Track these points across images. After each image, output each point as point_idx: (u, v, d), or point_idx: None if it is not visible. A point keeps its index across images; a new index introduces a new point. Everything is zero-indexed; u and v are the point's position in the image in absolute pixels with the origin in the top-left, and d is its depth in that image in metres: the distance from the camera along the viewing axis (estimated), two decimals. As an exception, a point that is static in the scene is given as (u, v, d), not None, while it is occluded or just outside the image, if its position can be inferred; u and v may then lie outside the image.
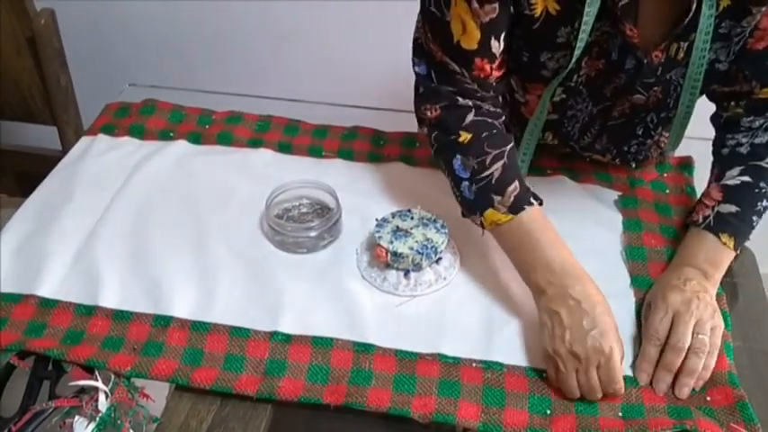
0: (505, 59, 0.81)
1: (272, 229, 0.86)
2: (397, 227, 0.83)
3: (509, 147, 0.81)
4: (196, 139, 1.03)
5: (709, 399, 0.71)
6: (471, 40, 0.76)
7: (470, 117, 0.81)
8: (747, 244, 0.84)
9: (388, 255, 0.81)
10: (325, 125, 1.06)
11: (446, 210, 0.88)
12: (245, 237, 0.88)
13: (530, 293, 0.79)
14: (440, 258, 0.83)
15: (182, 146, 1.01)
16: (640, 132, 0.90)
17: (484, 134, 0.81)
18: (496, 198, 0.78)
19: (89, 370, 0.72)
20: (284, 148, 1.02)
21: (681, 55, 0.77)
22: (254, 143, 1.02)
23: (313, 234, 0.85)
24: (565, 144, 0.94)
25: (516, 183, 0.79)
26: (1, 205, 0.93)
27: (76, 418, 0.68)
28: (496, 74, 0.81)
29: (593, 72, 0.81)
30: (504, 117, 0.85)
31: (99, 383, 0.70)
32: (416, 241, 0.81)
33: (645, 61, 0.78)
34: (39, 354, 0.73)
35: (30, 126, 1.35)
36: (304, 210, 0.91)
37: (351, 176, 0.97)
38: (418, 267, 0.82)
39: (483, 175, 0.79)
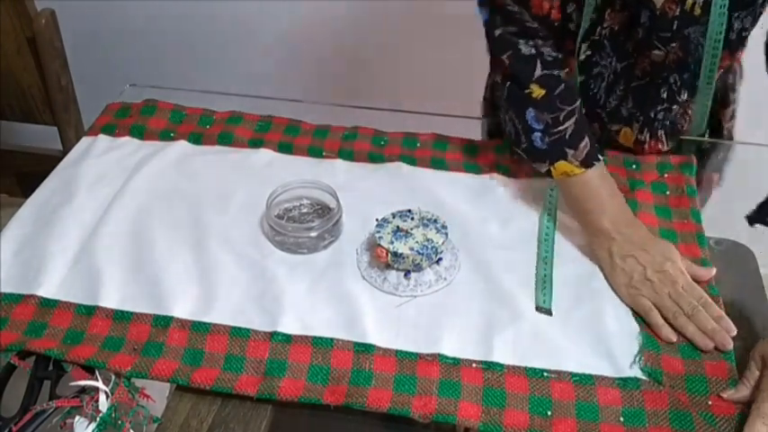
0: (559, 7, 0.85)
1: (273, 230, 0.86)
2: (398, 227, 0.83)
3: (578, 102, 0.87)
4: (197, 139, 1.03)
5: (710, 403, 0.70)
6: None
7: (539, 70, 0.86)
8: (747, 244, 0.84)
9: (389, 255, 0.81)
10: (326, 125, 1.06)
11: (447, 210, 0.88)
12: (246, 237, 0.88)
13: (530, 294, 0.80)
14: (440, 259, 0.83)
15: (182, 146, 1.01)
16: (665, 96, 0.91)
17: (556, 90, 0.86)
18: (570, 152, 0.85)
19: (89, 370, 0.72)
20: (285, 148, 1.02)
21: (698, 11, 0.78)
22: (255, 143, 1.02)
23: (313, 234, 0.85)
24: (593, 113, 0.95)
25: (587, 138, 0.85)
26: (1, 205, 0.93)
27: (77, 418, 0.68)
28: (555, 15, 0.84)
29: (616, 25, 0.83)
30: (566, 70, 0.88)
31: (99, 383, 0.70)
32: (417, 242, 0.81)
33: (657, 13, 0.78)
34: (39, 354, 0.73)
35: (30, 126, 1.35)
36: (304, 210, 0.91)
37: (351, 177, 0.97)
38: (418, 268, 0.82)
39: (557, 129, 0.86)
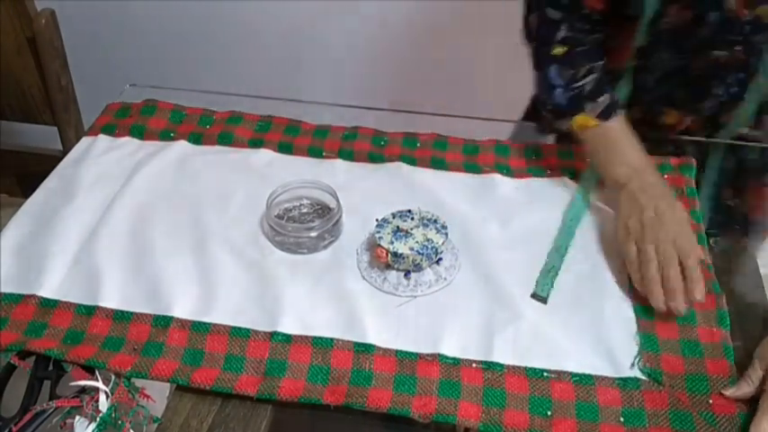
0: None
1: (273, 230, 0.86)
2: (398, 227, 0.83)
3: (600, 62, 0.90)
4: (197, 139, 1.03)
5: (711, 402, 0.70)
6: None
7: (563, 32, 0.90)
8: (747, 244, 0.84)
9: (389, 255, 0.81)
10: (326, 125, 1.06)
11: (447, 210, 0.88)
12: (246, 237, 0.88)
13: (530, 294, 0.80)
14: (440, 259, 0.83)
15: (182, 146, 1.01)
16: (718, 92, 0.91)
17: (578, 48, 0.90)
18: (588, 105, 0.89)
19: (89, 370, 0.72)
20: (285, 148, 1.02)
21: None
22: (255, 143, 1.02)
23: (313, 234, 0.85)
24: (639, 98, 0.96)
25: (607, 95, 0.88)
26: (1, 205, 0.93)
27: (77, 418, 0.68)
28: (603, 7, 0.88)
29: (679, 21, 0.84)
30: (595, 36, 0.91)
31: (99, 384, 0.70)
32: (417, 242, 0.81)
33: (728, 16, 0.79)
34: (39, 354, 0.73)
35: (30, 126, 1.35)
36: (304, 210, 0.91)
37: (351, 177, 0.96)
38: (418, 268, 0.82)
39: (576, 84, 0.90)
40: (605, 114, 0.88)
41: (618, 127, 0.89)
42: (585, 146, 0.92)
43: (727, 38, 0.83)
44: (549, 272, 0.82)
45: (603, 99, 0.89)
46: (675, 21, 0.84)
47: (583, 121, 0.90)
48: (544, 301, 0.79)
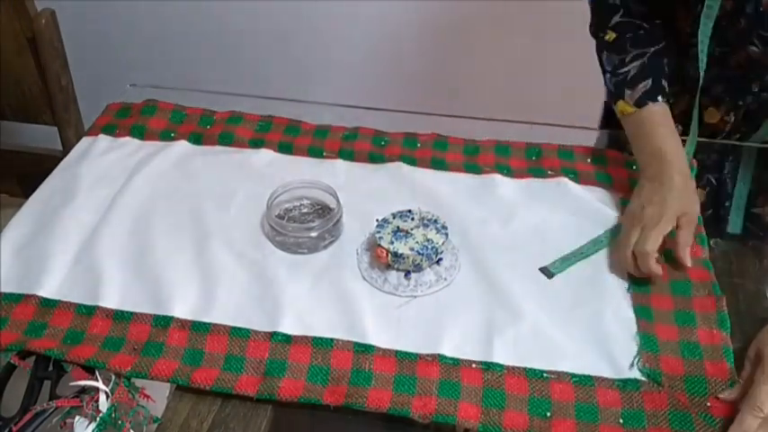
0: None
1: (273, 230, 0.86)
2: (398, 227, 0.83)
3: (654, 48, 0.92)
4: (197, 139, 1.03)
5: (709, 405, 0.70)
6: None
7: (617, 18, 0.93)
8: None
9: (389, 255, 0.81)
10: (326, 125, 1.06)
11: (447, 210, 0.88)
12: (246, 237, 0.88)
13: (530, 294, 0.80)
14: (440, 259, 0.83)
15: (182, 146, 1.01)
16: (756, 90, 0.92)
17: (628, 35, 0.92)
18: (627, 92, 0.91)
19: (89, 370, 0.72)
20: (285, 148, 1.02)
21: None
22: (255, 143, 1.02)
23: (314, 234, 0.85)
24: (687, 87, 0.97)
25: (649, 81, 0.90)
26: (1, 205, 0.93)
27: (77, 418, 0.68)
28: None
29: (719, 10, 0.84)
30: (651, 22, 0.93)
31: (99, 384, 0.70)
32: (417, 242, 0.81)
33: (761, 9, 0.80)
34: (39, 354, 0.74)
35: (30, 126, 1.35)
36: (305, 210, 0.91)
37: (351, 177, 0.96)
38: (419, 268, 0.82)
39: (621, 71, 0.92)
40: (641, 102, 0.90)
41: (651, 116, 0.90)
42: (625, 130, 0.94)
43: (761, 34, 0.84)
44: (573, 257, 0.84)
45: (643, 86, 0.90)
46: (721, 7, 0.85)
47: (623, 107, 0.92)
48: (549, 276, 0.81)
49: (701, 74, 0.88)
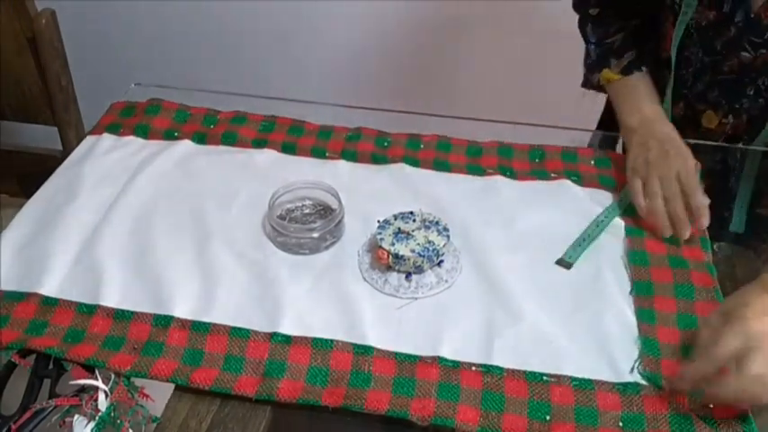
0: None
1: (275, 230, 0.86)
2: (399, 229, 0.83)
3: (632, 22, 0.98)
4: (200, 138, 1.03)
5: (711, 406, 0.70)
6: None
7: None
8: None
9: (390, 257, 0.81)
10: (330, 126, 1.06)
11: (449, 212, 0.88)
12: (248, 237, 0.88)
13: (531, 297, 0.79)
14: (441, 261, 0.83)
15: (186, 145, 1.01)
16: (751, 93, 0.92)
17: (611, 8, 0.98)
18: (613, 61, 0.98)
19: (89, 369, 0.72)
20: (288, 148, 1.01)
21: None
22: (259, 143, 1.02)
23: (315, 235, 0.85)
24: (680, 93, 0.99)
25: (633, 51, 0.97)
26: (1, 205, 0.93)
27: (76, 416, 0.68)
28: None
29: (703, 21, 0.88)
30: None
31: (99, 383, 0.70)
32: (418, 243, 0.81)
33: (752, 16, 0.81)
34: (39, 352, 0.74)
35: (30, 126, 1.36)
36: (307, 211, 0.91)
37: (354, 178, 0.96)
38: (420, 270, 0.82)
39: (606, 41, 0.99)
40: (627, 70, 0.97)
41: (637, 81, 0.96)
42: (610, 98, 1.01)
43: (752, 40, 0.85)
44: (583, 241, 0.86)
45: (628, 56, 0.97)
46: (700, 20, 0.88)
47: (608, 75, 0.98)
48: (568, 266, 0.83)
49: (673, 57, 0.94)
